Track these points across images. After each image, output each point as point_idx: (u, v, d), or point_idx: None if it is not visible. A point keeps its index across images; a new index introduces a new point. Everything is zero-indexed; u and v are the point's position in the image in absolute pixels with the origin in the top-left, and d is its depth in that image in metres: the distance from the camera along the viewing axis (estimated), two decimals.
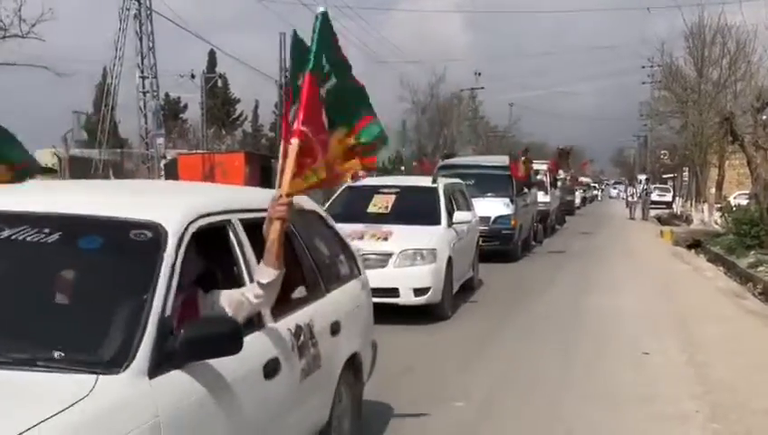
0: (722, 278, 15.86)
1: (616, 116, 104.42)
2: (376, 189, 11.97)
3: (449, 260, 10.61)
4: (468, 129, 62.14)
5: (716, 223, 24.38)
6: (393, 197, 11.62)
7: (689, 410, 6.75)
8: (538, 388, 7.39)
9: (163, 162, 26.27)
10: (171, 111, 55.04)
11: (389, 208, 11.35)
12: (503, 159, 19.73)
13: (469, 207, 13.36)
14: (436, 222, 11.18)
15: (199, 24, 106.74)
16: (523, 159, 19.95)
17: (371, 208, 11.39)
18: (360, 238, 9.89)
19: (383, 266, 9.89)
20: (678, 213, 39.08)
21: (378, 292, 9.08)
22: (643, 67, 51.29)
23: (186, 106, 58.35)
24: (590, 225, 32.12)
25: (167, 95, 52.03)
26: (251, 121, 65.62)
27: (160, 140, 26.77)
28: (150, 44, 28.40)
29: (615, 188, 78.98)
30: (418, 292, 10.03)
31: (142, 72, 29.98)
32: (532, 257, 19.33)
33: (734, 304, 12.62)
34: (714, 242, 20.18)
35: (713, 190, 37.19)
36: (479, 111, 65.27)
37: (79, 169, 22.10)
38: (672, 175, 61.62)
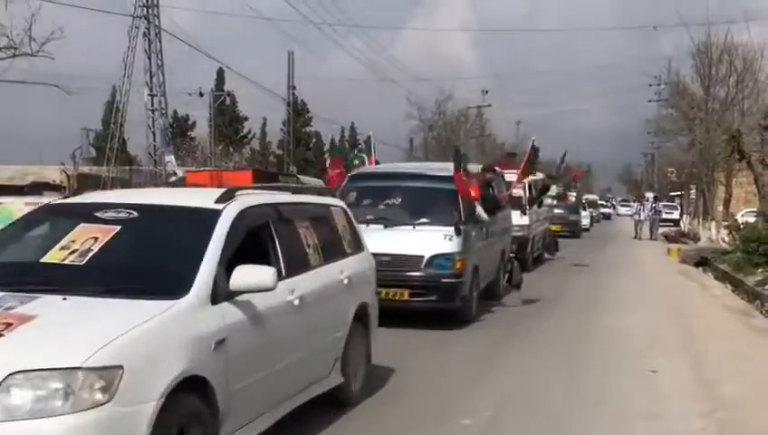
0: (729, 296, 15.81)
1: (624, 133, 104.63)
2: (89, 213, 5.61)
3: (200, 383, 4.60)
4: (475, 146, 62.31)
5: (724, 241, 24.33)
6: (113, 230, 5.34)
7: (696, 428, 6.72)
8: None
9: (171, 179, 26.40)
10: (179, 129, 55.38)
11: (88, 257, 5.11)
12: (445, 168, 12.57)
13: (346, 249, 7.23)
14: (180, 291, 4.78)
15: (208, 42, 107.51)
16: (470, 167, 12.67)
17: (50, 256, 5.21)
18: None
19: None
20: (686, 231, 39.03)
21: None
22: (650, 85, 51.42)
23: (194, 124, 58.82)
24: (590, 251, 27.21)
25: (175, 113, 52.47)
26: (259, 139, 65.91)
27: (170, 157, 26.89)
28: (159, 63, 28.68)
29: (624, 206, 78.28)
30: None
31: (151, 89, 30.24)
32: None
33: (741, 322, 12.57)
34: (721, 260, 20.14)
35: (720, 208, 37.26)
36: (486, 128, 65.47)
37: (86, 185, 22.20)
38: (679, 192, 61.67)
